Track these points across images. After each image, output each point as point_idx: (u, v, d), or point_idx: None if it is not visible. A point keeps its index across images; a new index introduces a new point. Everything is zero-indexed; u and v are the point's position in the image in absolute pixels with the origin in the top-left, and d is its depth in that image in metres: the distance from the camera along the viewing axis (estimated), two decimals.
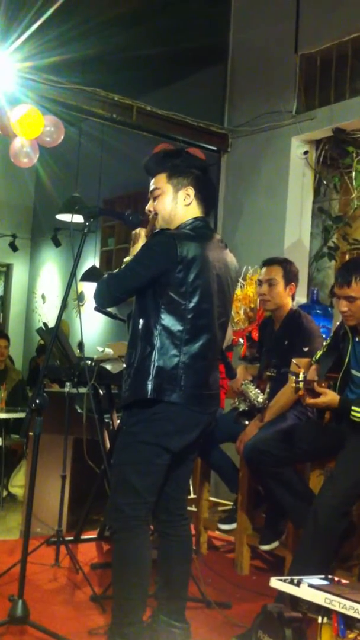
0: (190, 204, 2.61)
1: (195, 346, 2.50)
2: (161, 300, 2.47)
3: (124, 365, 2.59)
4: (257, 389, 3.68)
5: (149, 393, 2.44)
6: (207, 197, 2.67)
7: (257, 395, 3.65)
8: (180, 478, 2.69)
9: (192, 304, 2.49)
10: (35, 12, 4.98)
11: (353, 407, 3.04)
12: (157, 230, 2.60)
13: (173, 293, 2.47)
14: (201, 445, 2.76)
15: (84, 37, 5.61)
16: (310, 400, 3.06)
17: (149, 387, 2.44)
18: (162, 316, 2.47)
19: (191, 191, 2.61)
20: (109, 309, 3.03)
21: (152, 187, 2.64)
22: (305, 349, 3.56)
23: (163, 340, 2.46)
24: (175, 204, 2.60)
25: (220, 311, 2.60)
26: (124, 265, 2.57)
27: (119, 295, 2.54)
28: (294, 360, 3.33)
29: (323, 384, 3.08)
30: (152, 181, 2.64)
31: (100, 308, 2.76)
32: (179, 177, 2.60)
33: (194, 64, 6.40)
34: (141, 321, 2.50)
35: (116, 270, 2.57)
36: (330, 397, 3.05)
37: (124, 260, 2.62)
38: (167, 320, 2.47)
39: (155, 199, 2.62)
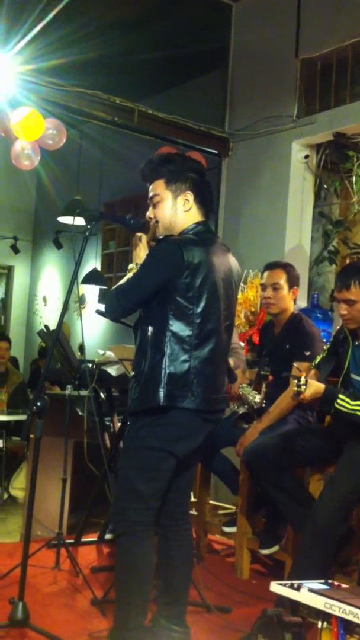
0: (190, 209, 2.61)
1: (205, 350, 2.50)
2: (169, 306, 2.47)
3: (132, 373, 2.59)
4: (253, 391, 3.70)
5: (161, 400, 2.44)
6: (206, 200, 2.66)
7: (254, 396, 3.66)
8: (183, 483, 2.69)
9: (199, 309, 2.49)
10: (37, 15, 4.98)
11: (340, 396, 3.01)
12: (160, 238, 2.60)
13: (180, 298, 2.47)
14: (203, 450, 2.77)
15: (85, 40, 5.62)
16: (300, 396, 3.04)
17: (161, 394, 2.44)
18: (171, 322, 2.47)
19: (190, 196, 2.60)
20: None
21: (150, 193, 2.63)
22: (307, 353, 3.56)
23: (173, 346, 2.46)
24: (175, 210, 2.60)
25: (226, 314, 2.61)
26: (129, 274, 2.57)
27: (129, 307, 2.54)
28: (295, 364, 3.34)
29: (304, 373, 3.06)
30: (150, 187, 2.64)
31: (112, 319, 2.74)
32: (177, 183, 2.60)
33: (195, 67, 6.40)
34: (150, 328, 2.50)
35: (123, 281, 2.57)
36: (314, 387, 3.04)
37: (129, 267, 2.62)
38: (176, 326, 2.47)
39: (154, 205, 2.62)
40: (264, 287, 3.81)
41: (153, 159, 2.67)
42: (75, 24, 5.42)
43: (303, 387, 3.00)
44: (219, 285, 2.56)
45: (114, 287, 2.59)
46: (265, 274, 3.82)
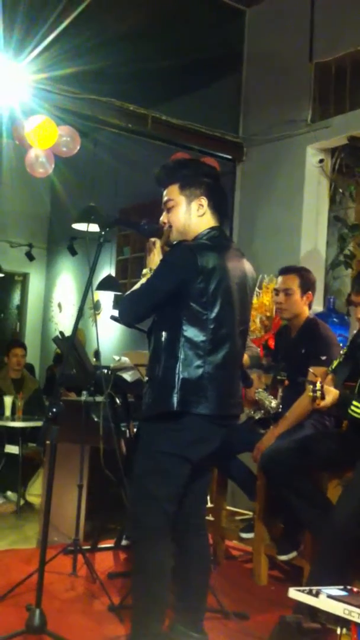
0: (204, 214, 2.61)
1: (219, 356, 2.50)
2: (182, 311, 2.47)
3: (146, 378, 2.59)
4: (270, 395, 3.68)
5: (175, 406, 2.44)
6: (220, 205, 2.67)
7: (270, 401, 3.64)
8: (199, 489, 2.68)
9: (213, 314, 2.49)
10: (51, 24, 5.02)
11: (354, 402, 3.00)
12: (174, 243, 2.60)
13: (194, 304, 2.46)
14: (218, 456, 2.75)
15: (98, 48, 5.65)
16: (320, 403, 3.02)
17: (175, 399, 2.44)
18: (184, 327, 2.46)
19: (204, 201, 2.61)
20: None
21: (165, 198, 2.64)
22: (323, 358, 3.54)
23: (186, 351, 2.45)
24: (189, 215, 2.60)
25: (240, 319, 2.60)
26: (143, 279, 2.57)
27: (142, 312, 2.55)
28: (310, 369, 3.32)
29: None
30: (165, 192, 2.64)
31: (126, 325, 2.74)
32: (191, 188, 2.60)
33: (209, 73, 6.41)
34: (164, 334, 2.50)
35: (136, 286, 2.57)
36: (333, 394, 3.01)
37: (143, 272, 2.62)
38: (190, 331, 2.46)
39: (168, 210, 2.63)
40: (277, 292, 3.80)
41: (167, 164, 2.68)
42: (88, 33, 5.45)
43: (319, 392, 2.98)
44: (233, 290, 2.56)
45: (128, 292, 2.59)
46: (279, 278, 3.81)
